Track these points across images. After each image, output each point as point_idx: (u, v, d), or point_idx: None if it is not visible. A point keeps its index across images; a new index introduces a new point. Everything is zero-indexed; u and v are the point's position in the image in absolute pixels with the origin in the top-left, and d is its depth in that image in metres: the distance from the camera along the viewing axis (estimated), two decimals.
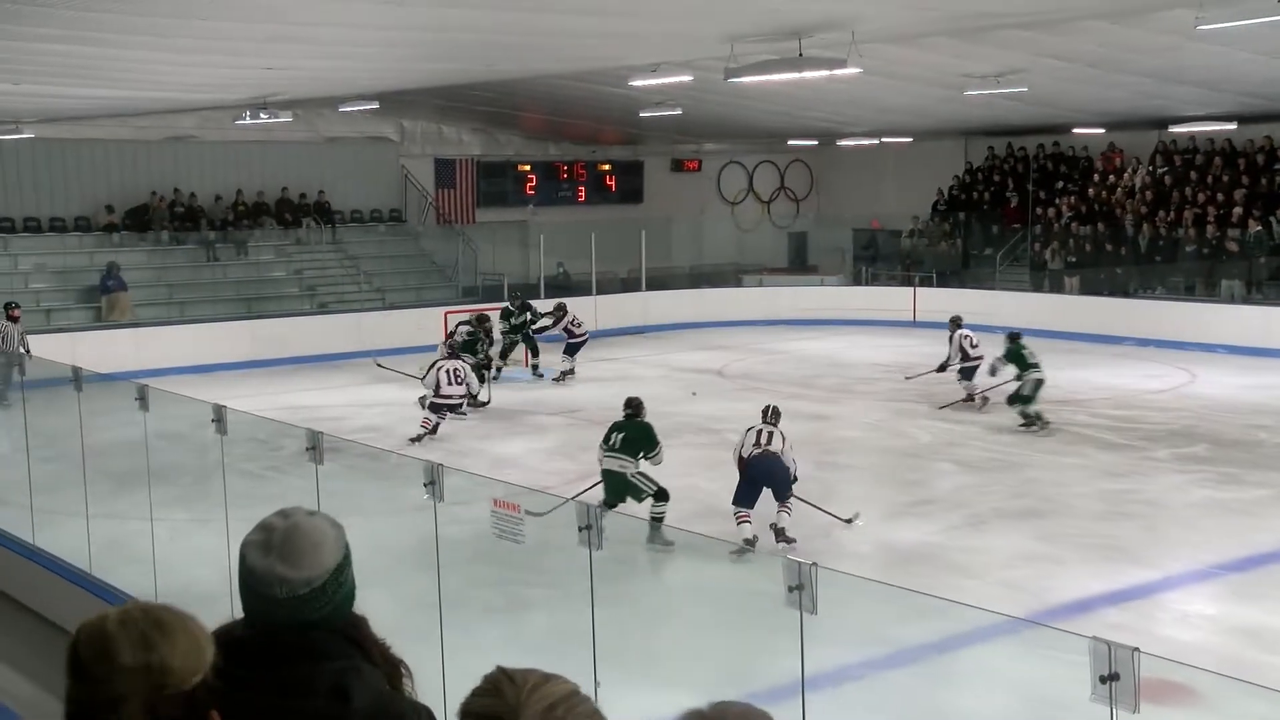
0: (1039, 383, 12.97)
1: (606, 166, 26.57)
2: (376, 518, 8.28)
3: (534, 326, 16.62)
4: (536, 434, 13.09)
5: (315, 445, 5.99)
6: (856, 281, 25.18)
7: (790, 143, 26.90)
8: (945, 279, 23.41)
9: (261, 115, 16.90)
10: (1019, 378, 13.07)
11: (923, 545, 8.88)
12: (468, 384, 13.08)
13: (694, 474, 10.96)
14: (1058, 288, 21.76)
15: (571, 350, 16.14)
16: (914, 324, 21.92)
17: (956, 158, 25.63)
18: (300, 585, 1.91)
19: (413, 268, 22.75)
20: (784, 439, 9.23)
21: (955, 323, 14.72)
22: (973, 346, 14.24)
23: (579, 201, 25.97)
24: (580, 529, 4.75)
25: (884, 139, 24.72)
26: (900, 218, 25.31)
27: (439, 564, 5.48)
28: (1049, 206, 22.91)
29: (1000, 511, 9.75)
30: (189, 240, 20.83)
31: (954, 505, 9.97)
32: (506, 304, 17.11)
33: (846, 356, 18.77)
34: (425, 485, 5.28)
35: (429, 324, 18.11)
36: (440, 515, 5.32)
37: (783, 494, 8.97)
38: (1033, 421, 12.80)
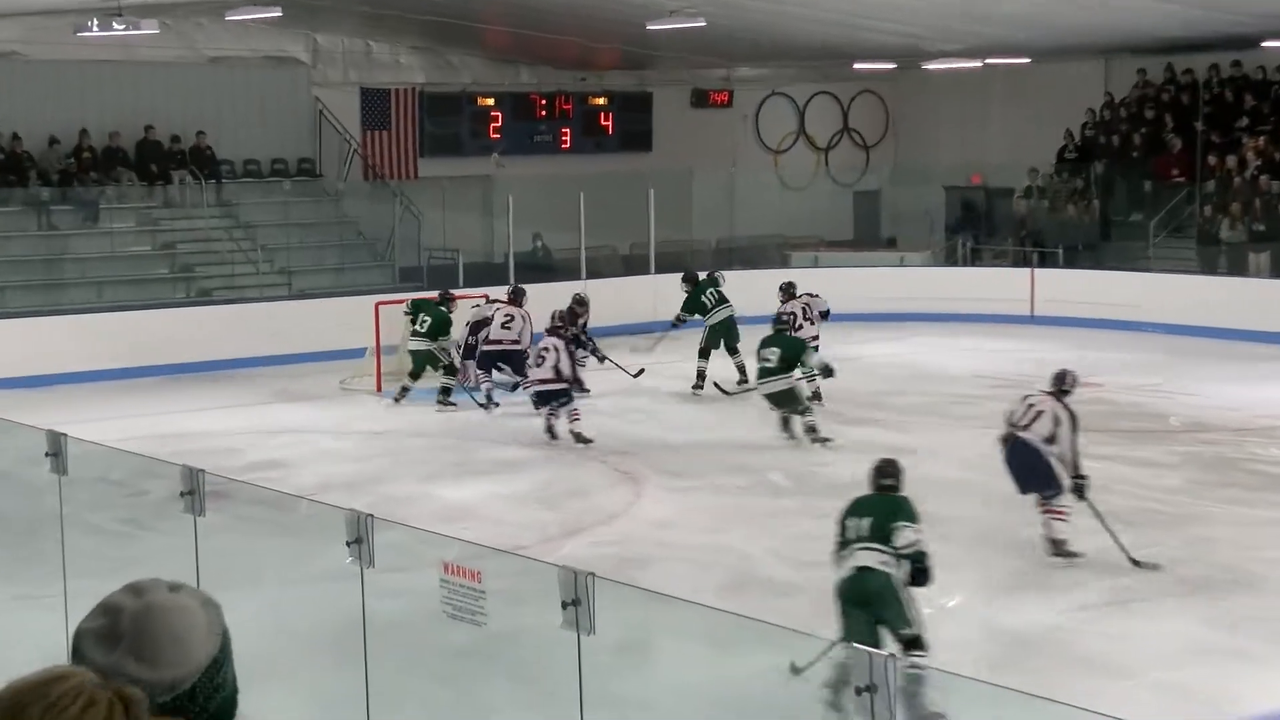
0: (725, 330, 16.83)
1: (601, 100, 26.62)
2: (279, 590, 8.24)
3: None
4: (502, 472, 13.08)
5: (193, 488, 5.97)
6: (950, 260, 25.16)
7: (857, 66, 26.90)
8: (1076, 256, 23.36)
9: (115, 25, 16.91)
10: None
11: (1047, 630, 8.83)
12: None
13: (724, 529, 10.93)
14: (1238, 268, 21.73)
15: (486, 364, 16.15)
16: (1031, 319, 21.88)
17: (1093, 86, 25.63)
18: (160, 690, 1.89)
19: (330, 240, 22.78)
20: (1059, 419, 9.95)
21: (787, 292, 16.35)
22: (796, 328, 15.32)
23: (562, 149, 26.00)
24: (564, 605, 4.73)
25: (989, 60, 24.69)
26: (1012, 171, 25.31)
27: (366, 653, 5.44)
28: (1227, 153, 22.89)
29: (1159, 584, 9.70)
30: (11, 200, 20.85)
31: (1092, 575, 9.91)
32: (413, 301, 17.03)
33: (936, 365, 18.72)
34: (349, 544, 5.26)
35: (354, 319, 18.11)
36: (369, 586, 5.29)
37: (1044, 491, 9.93)
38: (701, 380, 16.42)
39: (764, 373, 13.98)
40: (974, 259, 25.08)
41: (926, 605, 9.22)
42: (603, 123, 26.62)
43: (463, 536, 7.73)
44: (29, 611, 7.91)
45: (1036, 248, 23.71)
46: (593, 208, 21.63)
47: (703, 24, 18.99)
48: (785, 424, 14.01)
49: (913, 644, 7.58)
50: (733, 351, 16.91)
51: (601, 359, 16.74)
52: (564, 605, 4.73)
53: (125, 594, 1.96)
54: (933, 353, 19.67)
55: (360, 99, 24.30)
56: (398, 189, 23.66)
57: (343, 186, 23.74)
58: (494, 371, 16.11)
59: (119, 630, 1.91)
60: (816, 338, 15.55)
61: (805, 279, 23.18)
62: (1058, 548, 9.99)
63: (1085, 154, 24.87)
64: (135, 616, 1.92)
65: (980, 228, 26.09)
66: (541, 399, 14.32)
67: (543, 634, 5.08)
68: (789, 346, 14.07)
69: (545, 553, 9.53)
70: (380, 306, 17.38)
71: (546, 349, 14.36)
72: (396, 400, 16.23)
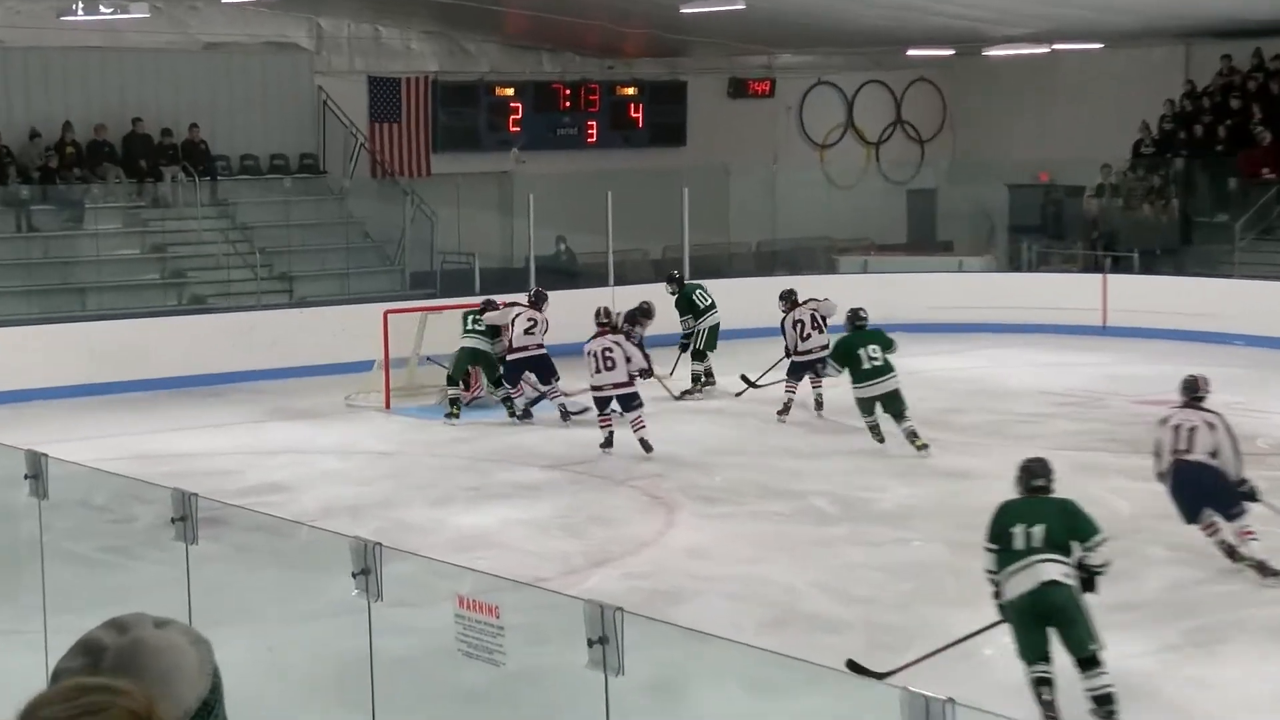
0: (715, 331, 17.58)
1: (630, 90, 26.66)
2: (278, 625, 8.25)
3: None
4: (522, 496, 13.09)
5: (185, 514, 5.98)
6: (1013, 266, 25.04)
7: (911, 53, 26.86)
8: (1153, 261, 23.24)
9: (102, 9, 17.03)
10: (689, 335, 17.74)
11: (1125, 674, 8.75)
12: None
13: (765, 559, 10.90)
14: None
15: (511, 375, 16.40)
16: (1103, 330, 21.77)
17: (1172, 73, 25.52)
18: None
19: (335, 243, 22.85)
20: (1213, 427, 10.13)
21: (789, 300, 16.51)
22: (804, 337, 16.02)
23: (588, 143, 26.03)
24: (590, 643, 4.71)
25: (1057, 45, 24.60)
26: (1082, 167, 25.22)
27: (374, 695, 5.44)
28: None
29: (1248, 624, 9.63)
30: None
31: (1172, 612, 9.86)
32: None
33: (999, 380, 18.66)
34: (355, 575, 5.26)
35: (359, 328, 18.16)
36: (377, 621, 5.28)
37: (1228, 510, 10.06)
38: (700, 384, 17.28)
39: (875, 373, 14.28)
40: (1039, 264, 24.97)
41: (988, 646, 9.20)
42: (632, 115, 26.64)
43: (479, 567, 7.73)
44: (5, 650, 7.94)
45: (1109, 252, 23.59)
46: (621, 208, 21.63)
47: (742, 7, 18.97)
48: (876, 430, 14.35)
49: (1091, 662, 7.71)
50: (702, 357, 17.77)
51: (648, 375, 16.73)
52: (590, 643, 4.71)
53: (108, 630, 1.95)
54: (995, 366, 19.59)
55: (368, 89, 24.38)
56: (408, 187, 23.71)
57: (348, 184, 23.80)
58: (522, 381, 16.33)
59: (101, 670, 1.90)
60: (826, 346, 15.74)
61: (854, 285, 23.17)
62: (1265, 569, 10.02)
63: (1163, 148, 24.73)
64: (119, 654, 1.91)
65: (1047, 230, 25.94)
66: (605, 404, 14.61)
67: (567, 674, 5.07)
68: (886, 341, 14.52)
69: (569, 585, 9.52)
70: (389, 315, 17.41)
71: (610, 349, 14.56)
72: (451, 417, 16.18)
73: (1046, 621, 7.68)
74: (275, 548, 8.78)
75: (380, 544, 5.35)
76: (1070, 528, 7.92)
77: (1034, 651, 7.68)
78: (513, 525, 12.06)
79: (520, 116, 25.50)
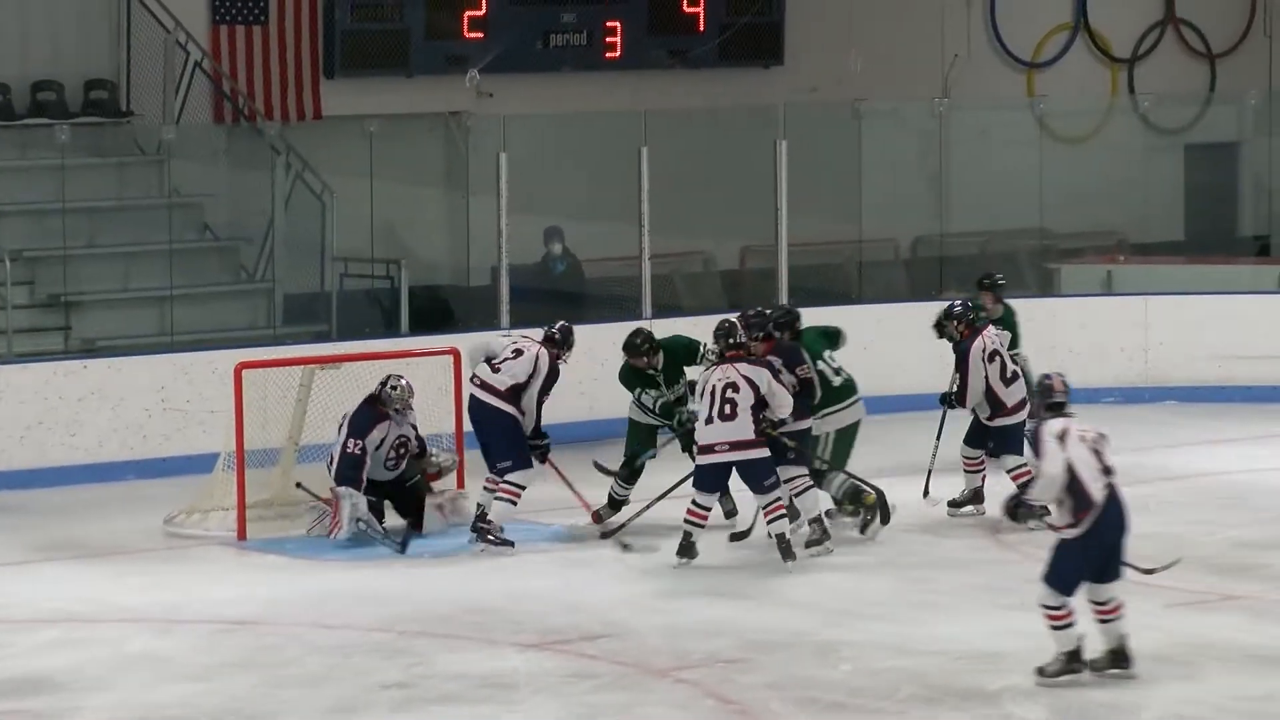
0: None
1: None
2: None
3: None
4: (489, 699, 13.03)
5: None
6: None
7: None
8: None
9: None
10: None
11: None
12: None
13: None
14: None
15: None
16: None
17: None
18: None
19: (148, 241, 23.01)
20: None
21: (965, 318, 17.38)
22: (1008, 379, 17.14)
23: (606, 61, 26.27)
24: None
25: None
26: None
27: None
28: None
29: None
30: None
31: None
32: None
33: None
34: None
35: (191, 395, 18.31)
36: None
37: None
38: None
39: (848, 389, 16.05)
40: None
41: None
42: (687, 10, 26.81)
43: None
44: None
45: None
46: (667, 177, 21.76)
47: None
48: (855, 499, 15.90)
49: None
50: None
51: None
52: None
53: None
54: None
55: None
56: (281, 140, 23.85)
57: (171, 137, 23.93)
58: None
59: None
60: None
61: (1087, 315, 23.23)
62: None
63: None
64: None
65: None
66: (714, 481, 15.22)
67: None
68: (835, 334, 16.54)
69: None
70: (246, 371, 17.47)
71: (735, 385, 15.11)
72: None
73: None
74: None
75: None
76: None
77: None
78: None
79: (484, 12, 25.70)
